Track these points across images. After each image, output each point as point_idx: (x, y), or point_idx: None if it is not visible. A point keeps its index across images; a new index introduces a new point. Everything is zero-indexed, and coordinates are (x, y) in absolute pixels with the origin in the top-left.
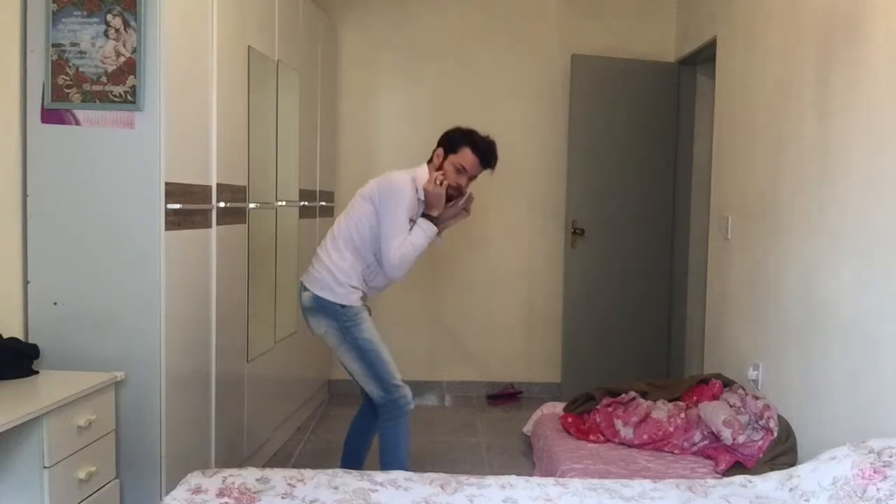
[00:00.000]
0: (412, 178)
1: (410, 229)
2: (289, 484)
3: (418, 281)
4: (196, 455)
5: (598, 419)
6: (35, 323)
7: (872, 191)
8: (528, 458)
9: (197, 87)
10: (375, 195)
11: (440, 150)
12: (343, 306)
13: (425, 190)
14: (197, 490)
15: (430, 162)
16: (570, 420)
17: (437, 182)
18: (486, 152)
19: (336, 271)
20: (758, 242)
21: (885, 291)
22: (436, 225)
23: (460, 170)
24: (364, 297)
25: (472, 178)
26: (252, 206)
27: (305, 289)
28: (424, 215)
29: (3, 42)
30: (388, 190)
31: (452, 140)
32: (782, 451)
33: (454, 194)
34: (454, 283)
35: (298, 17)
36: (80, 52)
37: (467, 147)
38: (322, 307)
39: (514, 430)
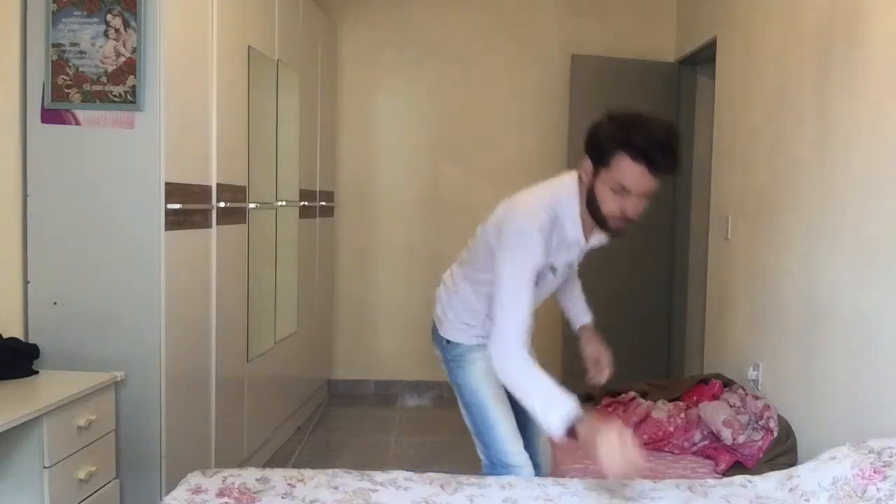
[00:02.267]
0: (551, 207)
1: (537, 283)
2: (289, 484)
3: (418, 280)
4: (196, 455)
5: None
6: (35, 323)
7: (872, 191)
8: None
9: (197, 87)
10: (495, 231)
11: (587, 162)
12: (448, 342)
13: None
14: (197, 490)
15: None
16: None
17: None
18: (654, 153)
19: (446, 301)
20: (758, 242)
21: (885, 291)
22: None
23: (619, 190)
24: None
25: (644, 195)
26: (252, 206)
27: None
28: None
29: (3, 42)
30: (512, 234)
31: (598, 145)
32: (782, 451)
33: (622, 226)
34: None
35: (298, 17)
36: (80, 52)
37: (622, 152)
38: (433, 331)
39: None
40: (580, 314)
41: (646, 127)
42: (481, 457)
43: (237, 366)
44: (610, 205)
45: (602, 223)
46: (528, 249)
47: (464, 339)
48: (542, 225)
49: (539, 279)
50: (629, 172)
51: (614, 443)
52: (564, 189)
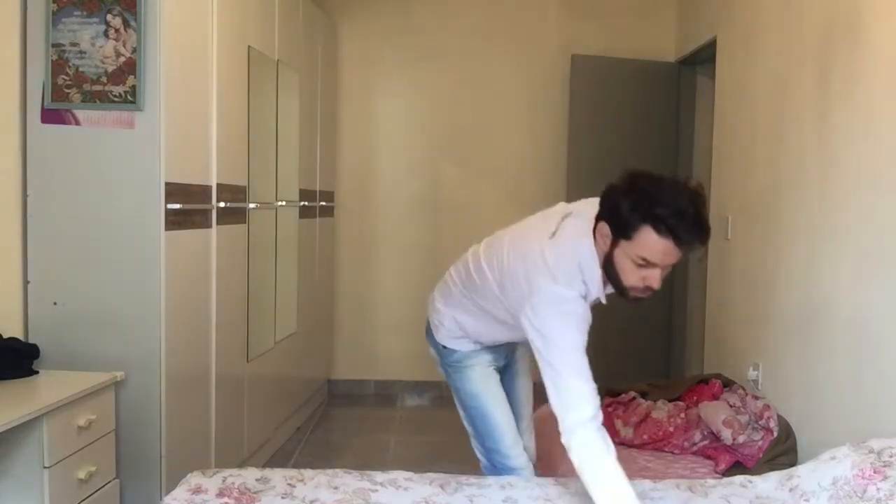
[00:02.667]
0: (580, 271)
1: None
2: (289, 484)
3: (419, 280)
4: (196, 455)
5: None
6: (35, 323)
7: (872, 190)
8: None
9: (197, 87)
10: (516, 287)
11: (604, 227)
12: (445, 347)
13: None
14: (197, 490)
15: (595, 225)
16: None
17: None
18: (681, 227)
19: (445, 312)
20: (758, 242)
21: (885, 291)
22: None
23: (642, 264)
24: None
25: (668, 266)
26: (252, 206)
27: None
28: None
29: (3, 42)
30: (556, 303)
31: (618, 215)
32: (782, 451)
33: (642, 296)
34: None
35: (298, 17)
36: (80, 52)
37: (647, 226)
38: (427, 332)
39: None
40: None
41: (671, 197)
42: (480, 458)
43: (237, 366)
44: (631, 277)
45: (622, 293)
46: (578, 316)
47: (461, 346)
48: (580, 291)
49: None
50: (654, 247)
51: None
52: (584, 251)
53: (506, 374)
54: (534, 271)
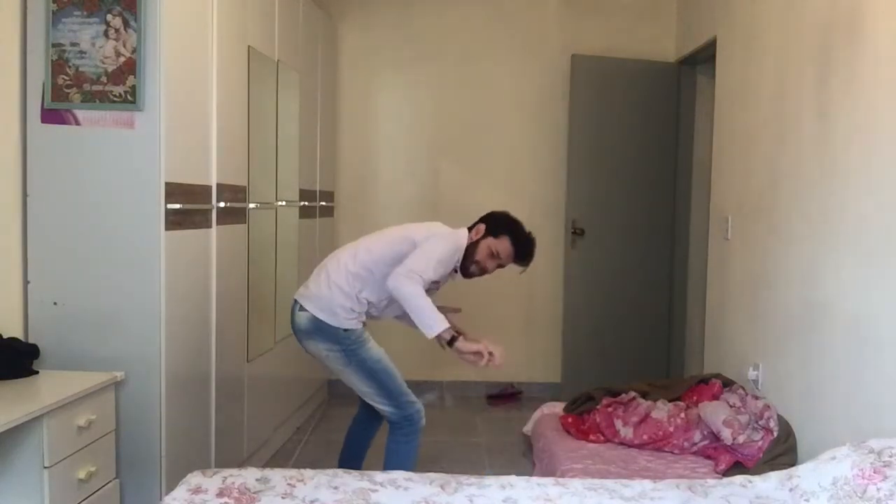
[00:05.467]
0: (459, 238)
1: (430, 288)
2: (289, 484)
3: None
4: (196, 455)
5: (598, 419)
6: (35, 323)
7: (872, 191)
8: (528, 458)
9: (197, 87)
10: (424, 237)
11: (481, 227)
12: (346, 330)
13: (460, 350)
14: (197, 490)
15: (469, 229)
16: (570, 420)
17: (484, 362)
18: (524, 249)
19: (339, 299)
20: (758, 242)
21: (885, 291)
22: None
23: (493, 255)
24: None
25: (500, 265)
26: (252, 206)
27: (303, 308)
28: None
29: (3, 42)
30: (442, 237)
31: (496, 223)
32: (782, 451)
33: (476, 273)
34: (454, 283)
35: (298, 17)
36: (80, 52)
37: (507, 237)
38: (320, 329)
39: (514, 430)
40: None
41: (524, 232)
42: (389, 411)
43: (237, 366)
44: (483, 259)
45: (466, 268)
46: (447, 248)
47: (353, 325)
48: (459, 244)
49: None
50: (506, 248)
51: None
52: (461, 233)
53: None
54: (437, 230)
